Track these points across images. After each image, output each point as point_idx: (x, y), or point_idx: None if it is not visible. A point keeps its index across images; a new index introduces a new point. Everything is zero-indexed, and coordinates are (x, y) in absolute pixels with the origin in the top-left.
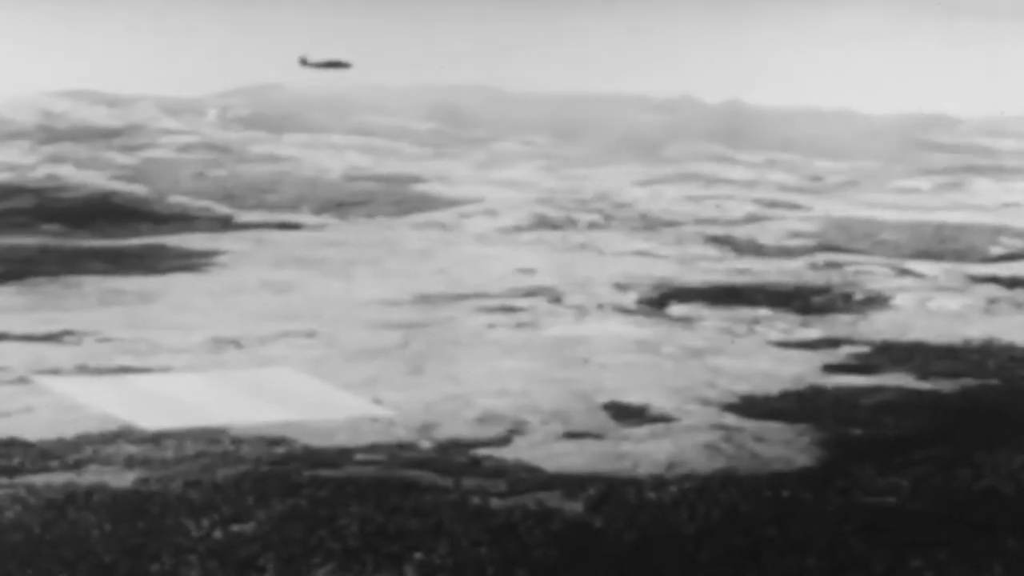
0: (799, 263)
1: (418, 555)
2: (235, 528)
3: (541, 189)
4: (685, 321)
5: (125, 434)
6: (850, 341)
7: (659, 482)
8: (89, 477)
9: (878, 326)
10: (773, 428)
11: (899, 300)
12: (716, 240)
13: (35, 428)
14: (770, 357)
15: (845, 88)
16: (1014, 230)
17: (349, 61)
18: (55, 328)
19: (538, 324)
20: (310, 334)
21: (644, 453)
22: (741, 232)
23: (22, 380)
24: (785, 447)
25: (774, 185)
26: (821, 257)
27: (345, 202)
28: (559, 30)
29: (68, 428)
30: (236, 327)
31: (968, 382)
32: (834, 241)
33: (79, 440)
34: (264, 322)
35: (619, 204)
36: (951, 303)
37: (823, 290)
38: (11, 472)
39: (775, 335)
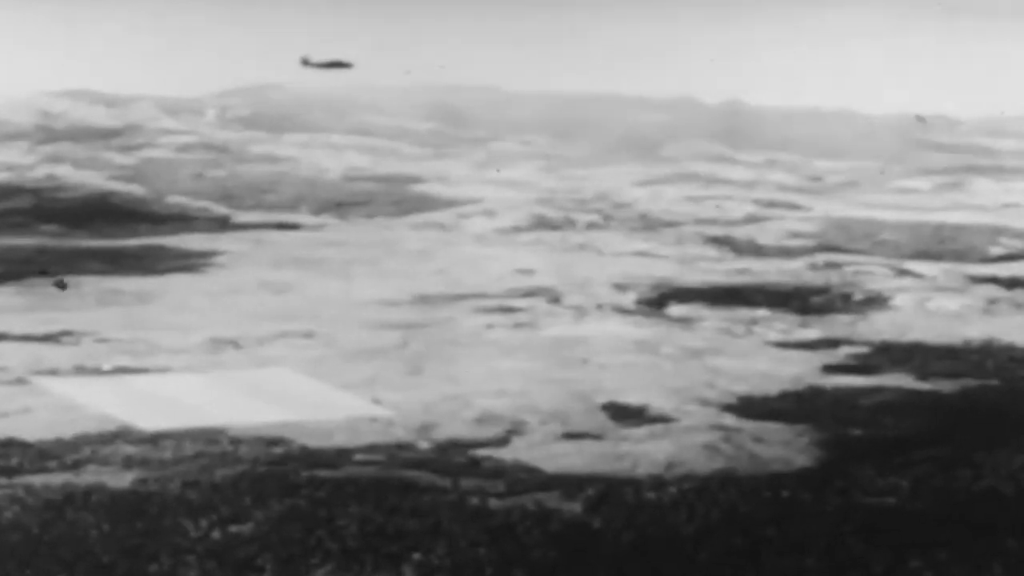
0: (798, 263)
1: (416, 555)
2: (233, 528)
3: (540, 189)
4: (684, 321)
5: (123, 434)
6: (849, 341)
7: (658, 482)
8: (87, 477)
9: (877, 326)
10: (772, 428)
11: (899, 300)
12: (715, 240)
13: (33, 428)
14: (769, 357)
15: (845, 88)
16: (1014, 230)
17: (351, 61)
18: (53, 328)
19: (537, 324)
20: (309, 334)
21: (643, 453)
22: (741, 232)
23: (20, 380)
24: (784, 447)
25: (774, 185)
26: (820, 257)
27: (344, 202)
28: (559, 30)
29: (66, 428)
30: (234, 327)
31: (968, 382)
32: (833, 241)
33: (77, 440)
34: (262, 322)
35: (618, 204)
36: (951, 303)
37: (822, 290)
38: (9, 472)
39: (774, 335)
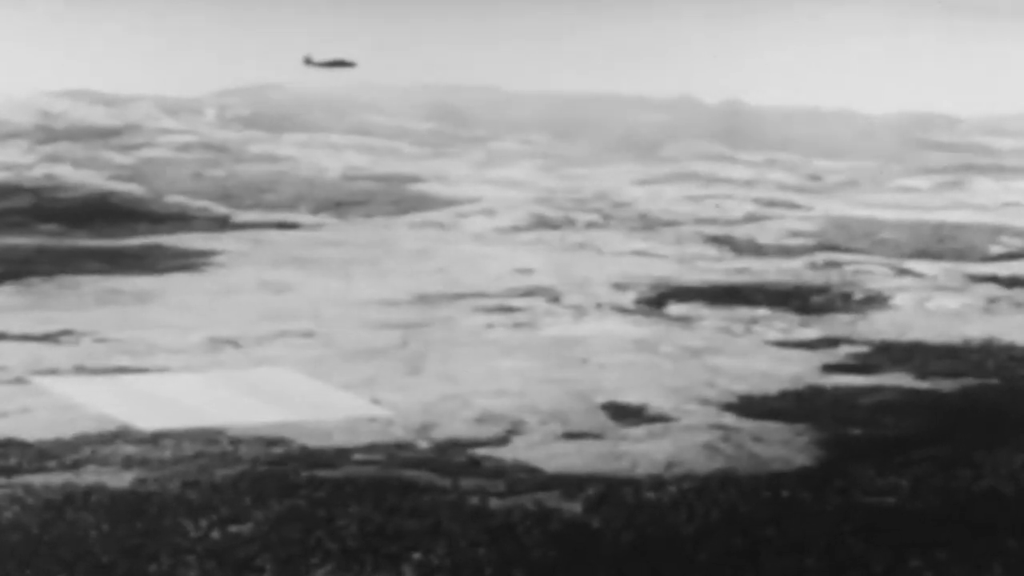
0: (798, 263)
1: (416, 555)
2: (233, 528)
3: (540, 188)
4: (684, 321)
5: (123, 434)
6: (849, 341)
7: (657, 482)
8: (87, 477)
9: (877, 326)
10: (772, 428)
11: (898, 300)
12: (715, 240)
13: (33, 428)
14: (769, 357)
15: (845, 87)
16: (1014, 229)
17: (353, 60)
18: (53, 328)
19: (536, 324)
20: (308, 334)
21: (642, 453)
22: (740, 232)
23: (20, 380)
24: (784, 447)
25: (773, 184)
26: (820, 257)
27: (343, 202)
28: (559, 30)
29: (66, 428)
30: (234, 327)
31: (968, 382)
32: (833, 240)
33: (77, 440)
34: (262, 322)
35: (618, 204)
36: (950, 302)
37: (822, 290)
38: (9, 472)
39: (774, 335)
